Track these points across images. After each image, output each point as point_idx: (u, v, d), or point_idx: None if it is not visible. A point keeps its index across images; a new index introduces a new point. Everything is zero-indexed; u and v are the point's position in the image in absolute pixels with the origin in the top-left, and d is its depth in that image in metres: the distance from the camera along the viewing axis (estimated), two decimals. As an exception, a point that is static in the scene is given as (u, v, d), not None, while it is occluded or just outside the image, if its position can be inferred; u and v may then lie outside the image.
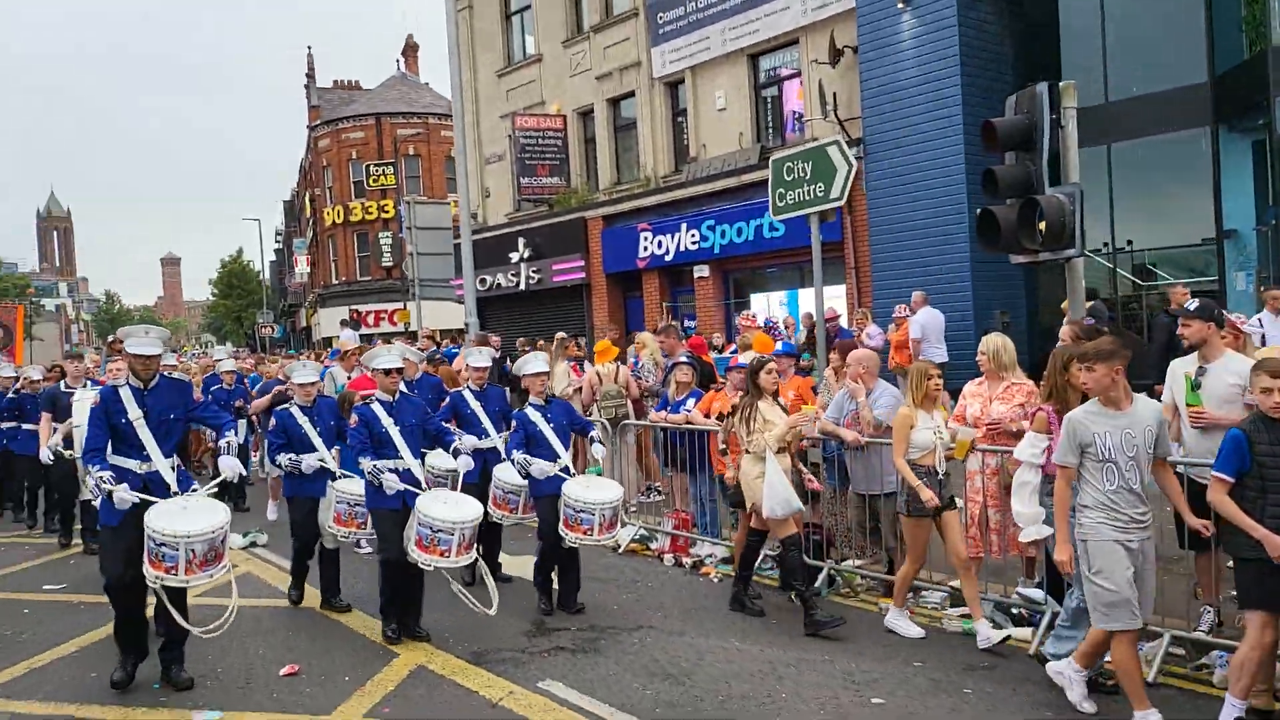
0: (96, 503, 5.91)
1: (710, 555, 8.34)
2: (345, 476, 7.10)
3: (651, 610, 6.98)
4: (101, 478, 5.30)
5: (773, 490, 6.32)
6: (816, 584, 7.12)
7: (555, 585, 7.07)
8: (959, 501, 6.47)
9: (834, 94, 16.86)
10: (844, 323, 15.11)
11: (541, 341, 14.53)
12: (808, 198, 9.41)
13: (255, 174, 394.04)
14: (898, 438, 6.13)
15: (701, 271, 19.03)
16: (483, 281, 23.77)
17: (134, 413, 5.48)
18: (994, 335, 6.64)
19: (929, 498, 5.93)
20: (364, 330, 36.79)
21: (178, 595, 5.45)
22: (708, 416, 8.35)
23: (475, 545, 6.40)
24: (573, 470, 7.13)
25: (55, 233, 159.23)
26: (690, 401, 8.66)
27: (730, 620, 6.67)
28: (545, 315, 21.96)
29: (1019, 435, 6.07)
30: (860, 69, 15.96)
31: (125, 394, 5.53)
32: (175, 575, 5.16)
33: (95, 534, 8.46)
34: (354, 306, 41.39)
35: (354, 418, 6.59)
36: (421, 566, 6.17)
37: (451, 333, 22.75)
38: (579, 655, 6.03)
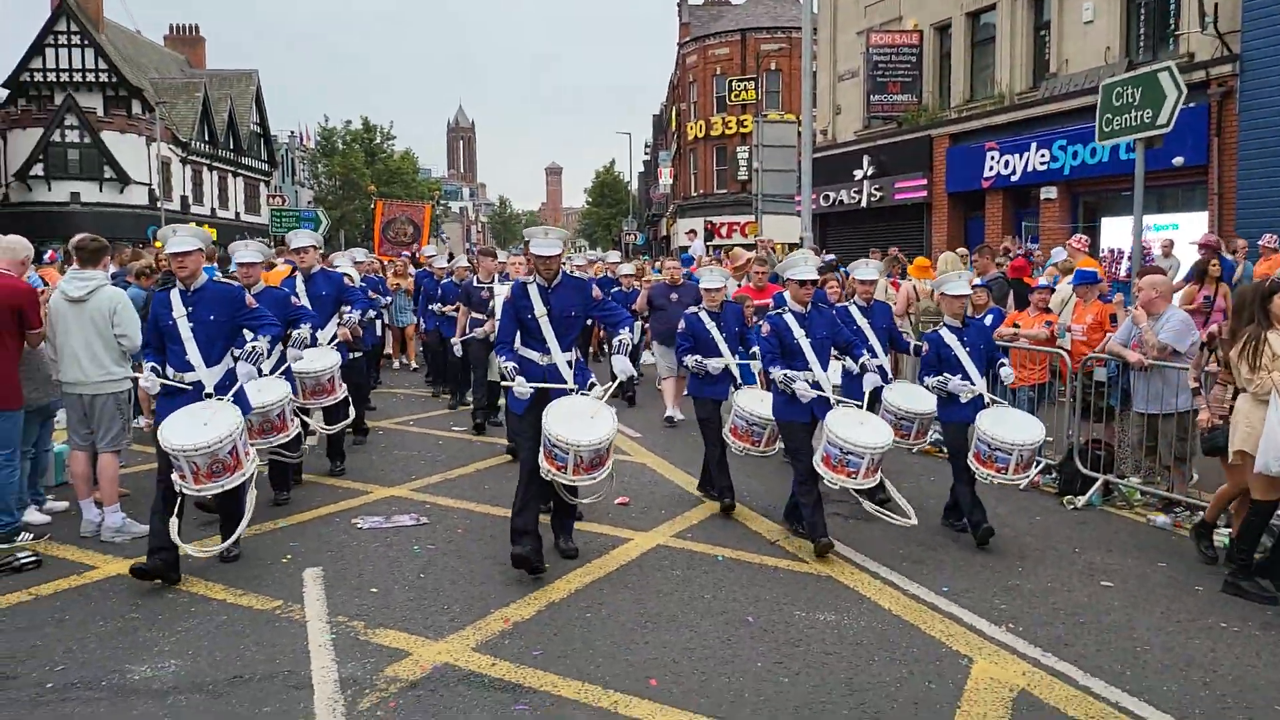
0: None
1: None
2: (747, 387, 7.21)
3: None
4: (506, 369, 5.66)
5: (1273, 441, 5.25)
6: (1090, 494, 7.60)
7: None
8: None
9: (1215, 3, 15.57)
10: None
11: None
12: (1134, 124, 9.36)
13: (633, 90, 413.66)
14: None
15: (1049, 193, 18.53)
16: (826, 198, 24.61)
17: (539, 309, 5.71)
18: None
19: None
20: (716, 241, 38.96)
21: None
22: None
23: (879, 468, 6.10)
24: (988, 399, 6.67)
25: (461, 142, 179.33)
26: (989, 318, 9.21)
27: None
28: (885, 233, 22.38)
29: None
30: (1245, -25, 14.65)
31: (532, 290, 5.75)
32: (564, 474, 5.46)
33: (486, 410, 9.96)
34: (709, 218, 43.66)
35: (765, 326, 6.36)
36: (826, 484, 6.04)
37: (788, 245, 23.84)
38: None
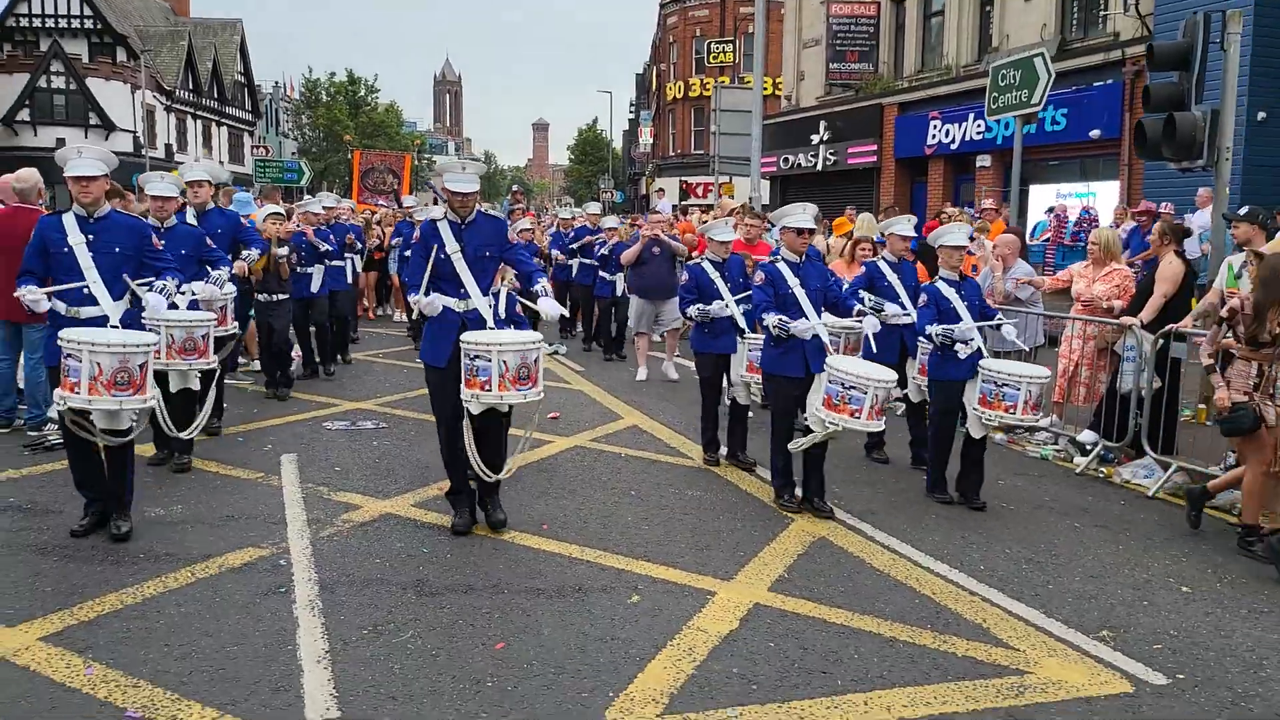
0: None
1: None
2: (753, 335, 6.99)
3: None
4: (419, 301, 5.31)
5: None
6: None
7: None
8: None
9: (1136, -13, 16.86)
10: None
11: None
12: (1014, 102, 10.68)
13: (615, 49, 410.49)
14: None
15: (984, 161, 19.87)
16: (785, 160, 25.87)
17: (451, 246, 5.33)
18: (1104, 229, 8.06)
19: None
20: (692, 200, 40.11)
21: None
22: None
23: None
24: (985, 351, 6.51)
25: (448, 95, 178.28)
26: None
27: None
28: (838, 195, 23.65)
29: (1109, 311, 7.65)
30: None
31: (443, 227, 5.37)
32: (489, 391, 5.05)
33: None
34: (685, 178, 44.77)
35: (759, 275, 6.22)
36: (828, 426, 5.73)
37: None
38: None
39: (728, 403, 7.43)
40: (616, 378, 10.87)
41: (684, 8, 48.04)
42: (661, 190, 30.84)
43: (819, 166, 24.65)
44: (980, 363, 6.31)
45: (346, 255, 11.33)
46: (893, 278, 7.40)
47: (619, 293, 12.21)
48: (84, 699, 3.54)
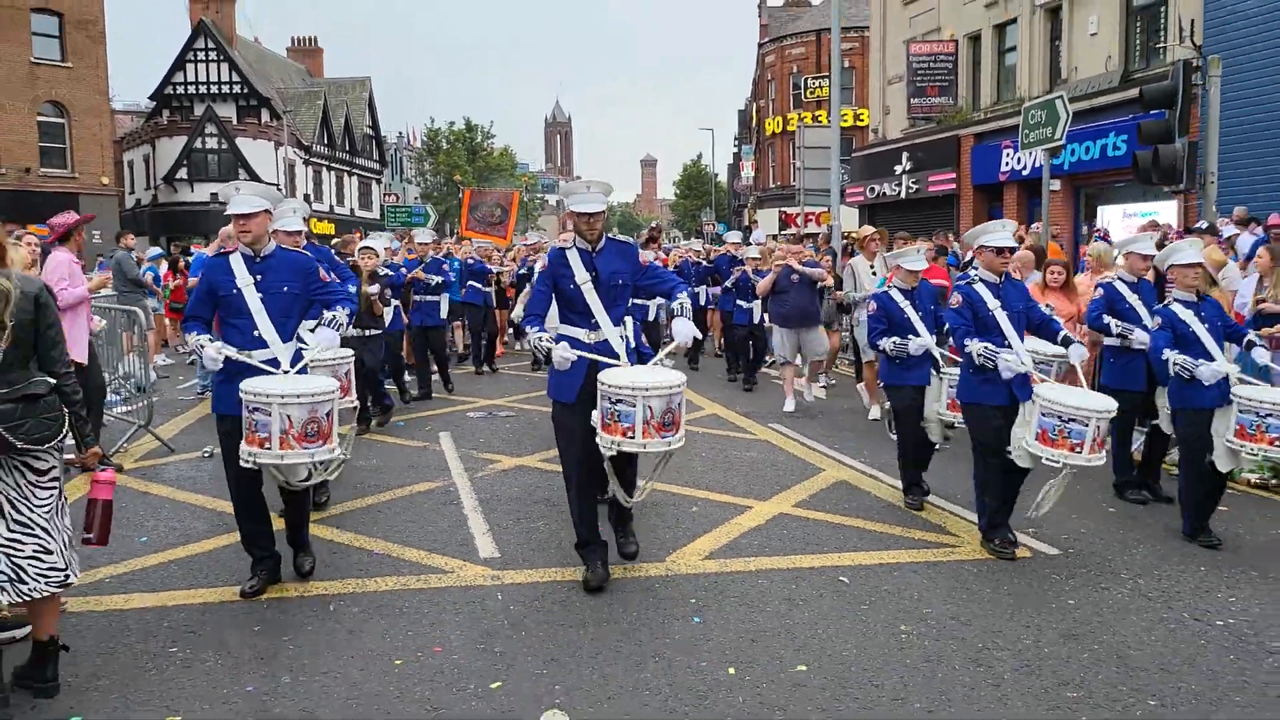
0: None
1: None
2: (950, 371, 6.65)
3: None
4: (538, 340, 4.97)
5: None
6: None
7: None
8: None
9: (1191, 20, 18.14)
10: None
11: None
12: (1041, 138, 12.28)
13: (715, 87, 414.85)
14: None
15: (1053, 185, 21.15)
16: (872, 190, 27.52)
17: (580, 275, 5.01)
18: (1098, 243, 9.67)
19: None
20: (791, 230, 41.93)
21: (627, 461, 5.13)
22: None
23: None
24: None
25: (558, 136, 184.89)
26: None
27: None
28: (921, 221, 25.20)
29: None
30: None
31: (571, 256, 5.05)
32: (632, 438, 4.65)
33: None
34: (784, 209, 46.61)
35: (956, 297, 5.84)
36: (1045, 463, 5.37)
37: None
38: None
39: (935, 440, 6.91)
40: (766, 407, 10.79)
41: (781, 46, 50.13)
42: (756, 222, 32.87)
43: (902, 195, 26.21)
44: (1235, 390, 5.76)
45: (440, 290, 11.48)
46: (1134, 299, 6.83)
47: (756, 320, 12.30)
48: (349, 549, 5.73)
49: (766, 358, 12.87)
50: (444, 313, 11.63)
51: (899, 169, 26.33)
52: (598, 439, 4.77)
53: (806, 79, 47.86)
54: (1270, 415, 5.55)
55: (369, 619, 4.67)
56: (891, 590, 5.09)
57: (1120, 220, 19.75)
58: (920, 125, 26.53)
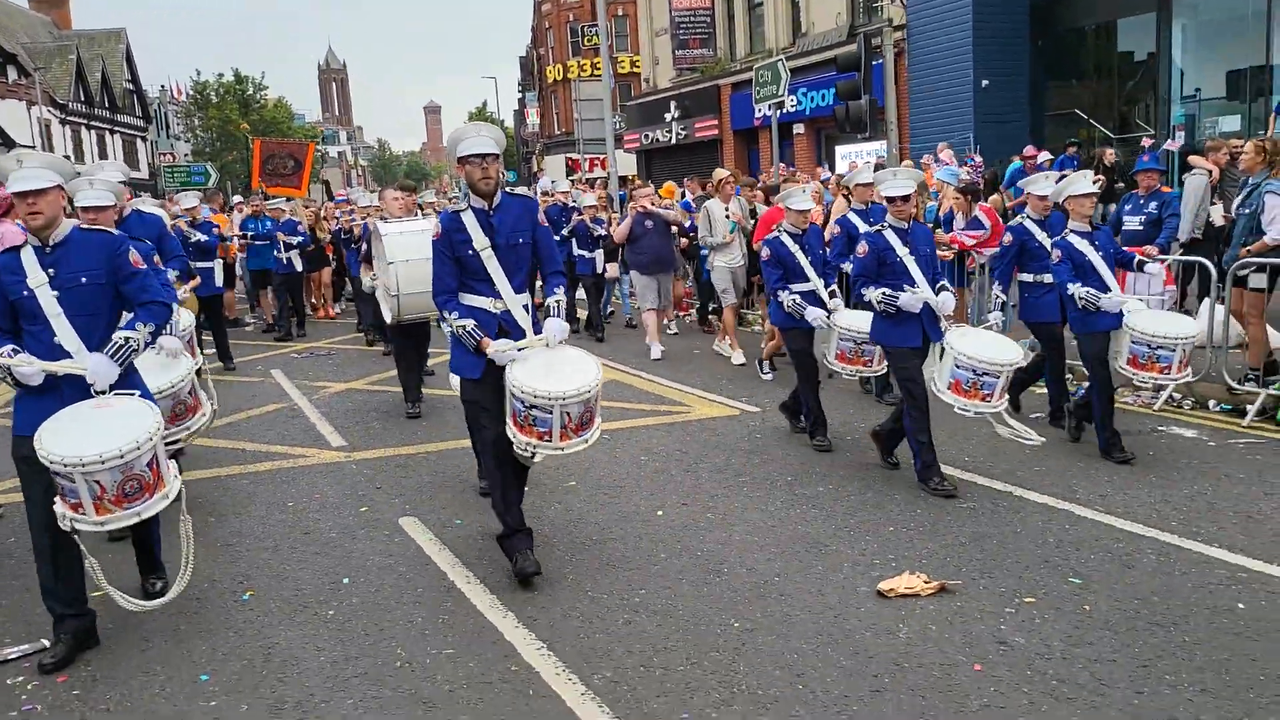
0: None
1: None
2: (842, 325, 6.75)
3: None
4: (461, 329, 4.55)
5: None
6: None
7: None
8: None
9: (899, -17, 21.24)
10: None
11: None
12: (769, 94, 14.73)
13: (495, 32, 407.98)
14: None
15: (799, 130, 24.11)
16: (646, 136, 29.86)
17: (479, 240, 4.60)
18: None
19: None
20: (578, 174, 43.83)
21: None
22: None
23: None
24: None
25: (334, 84, 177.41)
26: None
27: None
28: (690, 165, 27.75)
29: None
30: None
31: (467, 218, 4.63)
32: (549, 442, 4.43)
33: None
34: (570, 155, 48.40)
35: (862, 246, 5.95)
36: (958, 411, 5.73)
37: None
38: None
39: (828, 375, 7.22)
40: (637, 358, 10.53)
41: (556, -6, 51.42)
42: (543, 170, 34.58)
43: (673, 141, 28.66)
44: (1128, 322, 6.09)
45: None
46: (1042, 238, 6.77)
47: (599, 270, 11.96)
48: (223, 450, 7.24)
49: (609, 306, 12.98)
50: (219, 280, 11.30)
51: (669, 116, 28.72)
52: (509, 433, 4.51)
53: (583, 27, 49.49)
54: (1161, 348, 6.00)
55: (259, 488, 6.31)
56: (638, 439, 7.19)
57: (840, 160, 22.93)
58: (685, 75, 28.95)
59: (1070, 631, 3.99)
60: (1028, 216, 7.01)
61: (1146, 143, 14.27)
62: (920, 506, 5.55)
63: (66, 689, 3.76)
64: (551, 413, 4.37)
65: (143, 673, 3.89)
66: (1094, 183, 6.69)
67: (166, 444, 4.25)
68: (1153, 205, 8.43)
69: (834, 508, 5.60)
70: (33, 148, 44.51)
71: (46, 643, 4.06)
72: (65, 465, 3.69)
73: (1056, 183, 6.85)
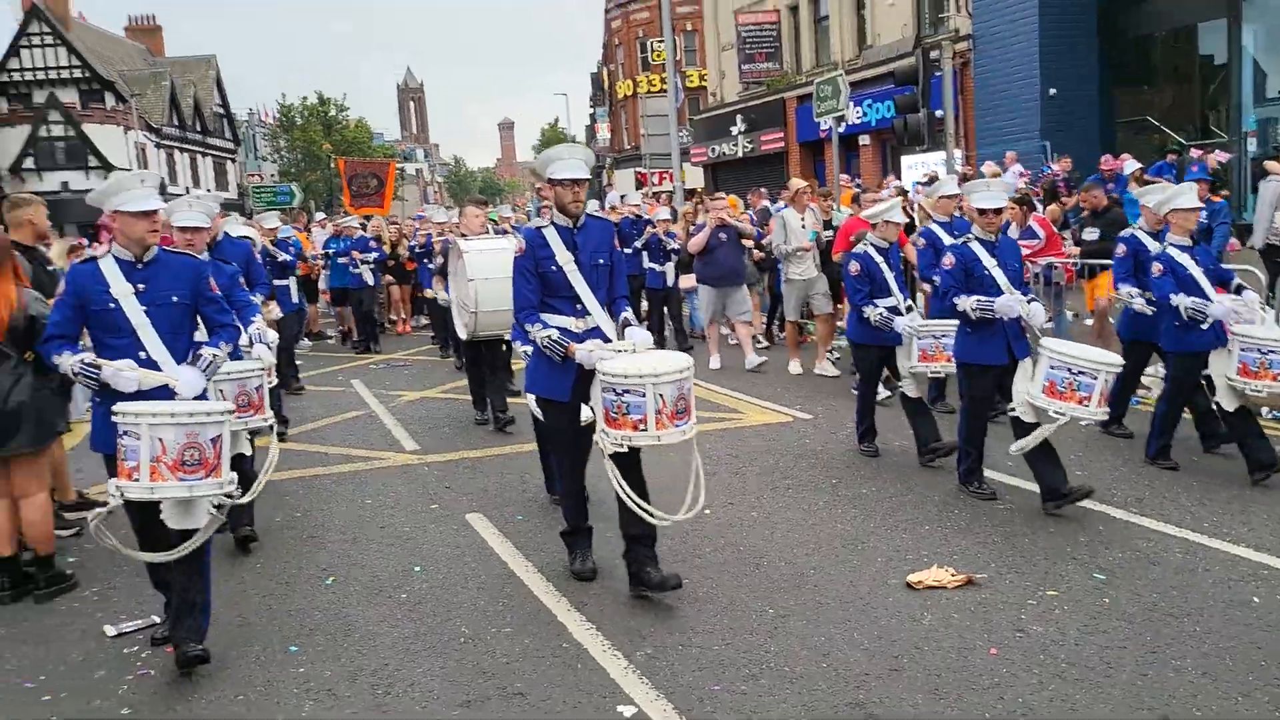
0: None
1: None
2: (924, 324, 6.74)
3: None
4: (544, 338, 4.58)
5: None
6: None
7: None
8: None
9: (966, -5, 21.30)
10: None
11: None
12: (830, 108, 14.97)
13: (570, 48, 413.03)
14: None
15: (864, 141, 24.22)
16: (713, 150, 30.25)
17: (562, 256, 4.67)
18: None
19: None
20: (647, 188, 44.42)
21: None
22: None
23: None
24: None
25: (412, 103, 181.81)
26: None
27: None
28: (756, 177, 28.01)
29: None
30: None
31: (550, 235, 4.70)
32: (645, 430, 4.29)
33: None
34: (639, 169, 49.02)
35: (949, 258, 5.87)
36: (1055, 417, 5.47)
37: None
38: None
39: (881, 395, 7.47)
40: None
41: (626, 10, 52.18)
42: (612, 184, 35.20)
43: (740, 154, 28.98)
44: (1235, 329, 5.97)
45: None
46: (1155, 247, 6.45)
47: (670, 283, 11.77)
48: (309, 453, 7.81)
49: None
50: (294, 297, 11.38)
51: (735, 130, 29.05)
52: (600, 435, 4.44)
53: (652, 43, 50.14)
54: (1273, 352, 5.83)
55: (340, 487, 6.84)
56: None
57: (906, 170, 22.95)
58: (752, 89, 29.26)
59: (1087, 621, 4.23)
60: (1139, 228, 6.85)
61: (1195, 154, 14.17)
62: (958, 507, 5.81)
63: (173, 658, 4.27)
64: (644, 395, 4.26)
65: (241, 643, 4.38)
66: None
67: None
68: (1202, 214, 8.50)
69: (874, 508, 5.89)
70: (128, 170, 46.99)
71: (157, 619, 4.58)
72: (136, 418, 3.79)
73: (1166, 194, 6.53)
